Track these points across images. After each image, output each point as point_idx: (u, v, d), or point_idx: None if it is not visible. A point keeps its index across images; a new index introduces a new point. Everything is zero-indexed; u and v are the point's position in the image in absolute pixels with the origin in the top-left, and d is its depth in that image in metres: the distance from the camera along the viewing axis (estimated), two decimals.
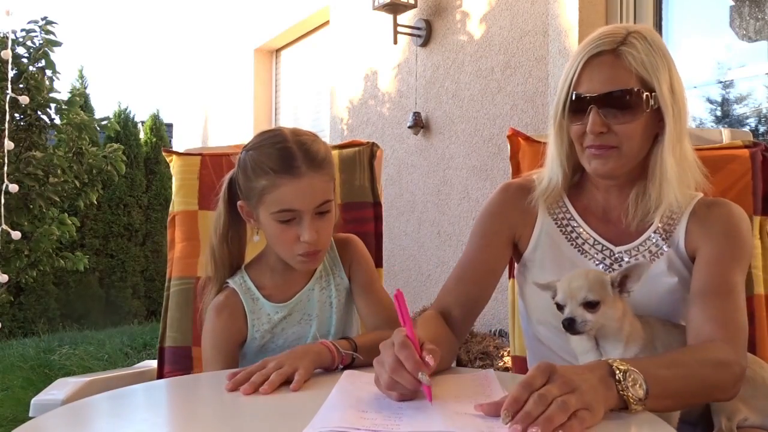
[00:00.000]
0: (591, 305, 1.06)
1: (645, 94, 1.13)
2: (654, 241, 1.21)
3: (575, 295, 1.07)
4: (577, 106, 1.16)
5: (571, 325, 1.06)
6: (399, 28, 4.05)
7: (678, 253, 1.20)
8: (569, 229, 1.27)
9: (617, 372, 0.87)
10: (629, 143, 1.15)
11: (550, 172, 1.27)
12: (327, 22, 5.25)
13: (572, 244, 1.25)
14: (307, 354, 1.09)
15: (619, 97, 1.13)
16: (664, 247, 1.21)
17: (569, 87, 1.17)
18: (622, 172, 1.20)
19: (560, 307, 1.09)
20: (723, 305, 1.10)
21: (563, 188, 1.28)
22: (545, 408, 0.80)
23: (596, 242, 1.24)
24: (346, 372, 1.08)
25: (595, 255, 1.23)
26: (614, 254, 1.22)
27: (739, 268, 1.16)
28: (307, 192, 1.21)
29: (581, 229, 1.26)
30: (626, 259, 1.21)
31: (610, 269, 1.20)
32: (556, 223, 1.28)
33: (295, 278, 1.34)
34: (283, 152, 1.21)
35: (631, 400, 0.86)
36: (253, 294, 1.32)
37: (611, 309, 1.07)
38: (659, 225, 1.21)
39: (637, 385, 0.87)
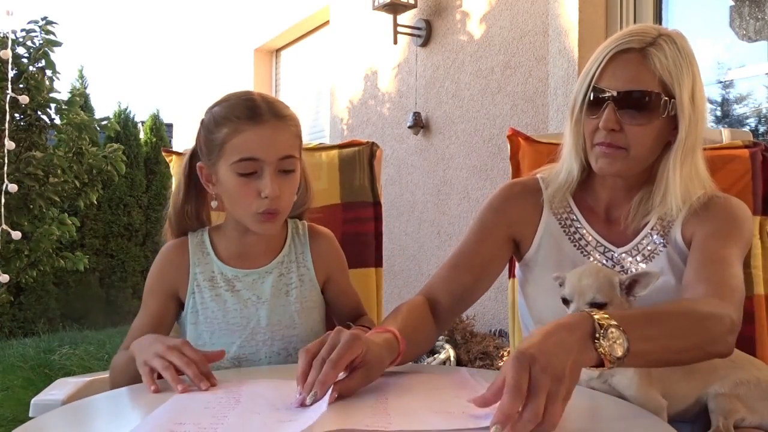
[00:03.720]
0: (598, 306, 1.03)
1: (664, 99, 1.12)
2: (652, 238, 1.21)
3: (584, 293, 1.03)
4: (595, 101, 1.15)
5: None
6: (399, 28, 4.05)
7: (676, 248, 1.20)
8: (572, 230, 1.27)
9: (598, 330, 0.83)
10: (638, 147, 1.15)
11: (568, 165, 1.25)
12: (327, 22, 5.25)
13: (575, 245, 1.25)
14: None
15: (638, 98, 1.12)
16: (661, 246, 1.20)
17: (591, 80, 1.16)
18: (629, 174, 1.20)
19: (566, 302, 1.07)
20: (716, 269, 1.08)
21: (573, 187, 1.27)
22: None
23: (599, 244, 1.24)
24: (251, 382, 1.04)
25: (597, 257, 1.23)
26: (615, 256, 1.22)
27: (735, 244, 1.13)
28: (271, 140, 1.17)
29: (584, 231, 1.26)
30: (627, 260, 1.21)
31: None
32: (560, 224, 1.28)
33: (252, 256, 1.28)
34: (248, 102, 1.19)
35: (608, 360, 0.83)
36: (204, 248, 1.28)
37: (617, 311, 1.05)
38: (656, 222, 1.21)
39: (617, 344, 0.83)
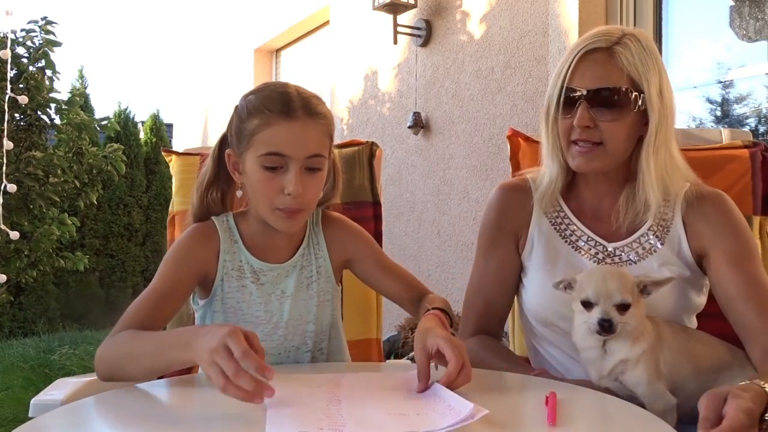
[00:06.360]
0: (624, 307, 1.05)
1: (633, 94, 1.15)
2: (648, 238, 1.23)
3: (611, 296, 1.05)
4: (567, 101, 1.18)
5: (609, 327, 1.04)
6: (399, 28, 4.05)
7: (677, 251, 1.21)
8: (563, 227, 1.29)
9: None
10: (613, 141, 1.18)
11: (549, 168, 1.28)
12: (327, 22, 5.25)
13: (566, 242, 1.27)
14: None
15: (609, 95, 1.15)
16: (658, 244, 1.22)
17: (563, 81, 1.19)
18: (607, 170, 1.23)
19: (588, 305, 1.07)
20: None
21: (559, 187, 1.29)
22: None
23: (590, 239, 1.26)
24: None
25: (589, 251, 1.25)
26: (607, 250, 1.24)
27: (759, 263, 1.18)
28: (300, 137, 1.14)
29: (575, 227, 1.28)
30: (620, 255, 1.23)
31: (603, 264, 1.23)
32: (551, 222, 1.30)
33: (276, 248, 1.26)
34: (282, 96, 1.16)
35: None
36: (233, 235, 1.25)
37: (637, 310, 1.06)
38: (653, 222, 1.23)
39: None
